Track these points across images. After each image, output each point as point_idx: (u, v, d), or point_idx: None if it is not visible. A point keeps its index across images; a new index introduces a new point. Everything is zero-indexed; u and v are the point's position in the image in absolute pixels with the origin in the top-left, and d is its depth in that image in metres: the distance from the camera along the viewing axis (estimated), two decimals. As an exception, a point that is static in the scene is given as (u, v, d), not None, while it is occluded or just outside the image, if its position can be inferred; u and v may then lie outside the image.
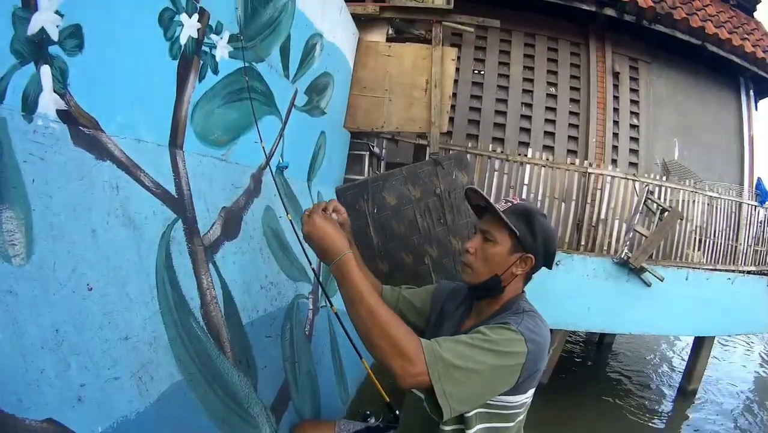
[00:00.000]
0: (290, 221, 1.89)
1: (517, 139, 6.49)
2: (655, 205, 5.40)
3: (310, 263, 1.79)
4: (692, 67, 7.25)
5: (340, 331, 2.12)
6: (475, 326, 1.48)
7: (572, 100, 6.70)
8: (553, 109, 6.66)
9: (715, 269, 5.85)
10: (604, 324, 5.35)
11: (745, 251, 6.55)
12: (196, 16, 1.78)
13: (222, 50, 2.01)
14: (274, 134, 2.62)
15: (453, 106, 5.93)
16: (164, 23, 1.62)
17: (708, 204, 6.10)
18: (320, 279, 1.88)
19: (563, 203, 5.51)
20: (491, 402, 1.42)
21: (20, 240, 1.05)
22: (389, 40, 4.46)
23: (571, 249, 5.42)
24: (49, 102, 1.19)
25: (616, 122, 6.69)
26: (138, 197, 1.52)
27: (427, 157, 4.37)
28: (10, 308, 0.98)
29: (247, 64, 2.20)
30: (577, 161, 5.69)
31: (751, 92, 7.66)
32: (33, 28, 1.10)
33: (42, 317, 1.05)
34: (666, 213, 5.35)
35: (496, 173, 5.38)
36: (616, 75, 6.75)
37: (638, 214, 5.34)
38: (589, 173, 5.56)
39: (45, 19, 1.13)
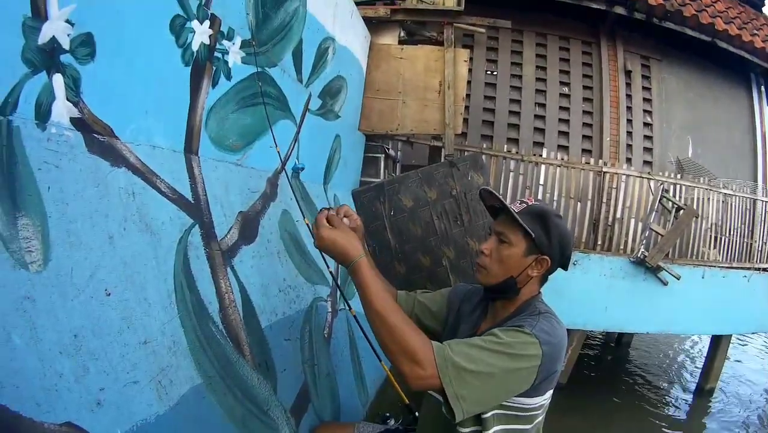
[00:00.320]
0: (307, 225, 1.89)
1: (532, 140, 6.45)
2: (670, 203, 5.36)
3: (328, 266, 1.80)
4: (703, 64, 7.16)
5: (359, 333, 2.11)
6: (490, 328, 1.47)
7: (585, 99, 6.66)
8: (567, 109, 6.61)
9: (731, 267, 5.77)
10: (621, 324, 5.33)
11: (760, 248, 6.43)
12: (207, 23, 1.79)
13: (234, 56, 2.03)
14: (289, 138, 2.63)
15: (467, 108, 5.93)
16: (176, 30, 1.63)
17: (723, 201, 6.03)
18: (338, 282, 1.88)
19: (579, 203, 5.48)
20: (508, 403, 1.41)
21: (37, 247, 1.06)
22: (401, 42, 4.47)
23: (588, 249, 5.39)
24: (62, 110, 1.20)
25: (629, 121, 6.62)
26: (154, 203, 1.53)
27: (442, 159, 4.36)
28: (28, 314, 0.99)
29: (260, 69, 2.21)
30: (592, 161, 5.66)
31: (762, 88, 7.51)
32: (44, 37, 1.12)
33: (60, 322, 1.06)
34: (681, 211, 5.31)
35: (511, 174, 5.37)
36: (628, 73, 6.68)
37: (654, 212, 5.29)
38: (604, 172, 5.51)
39: (56, 28, 1.14)
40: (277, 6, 2.34)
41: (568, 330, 1.52)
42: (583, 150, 6.47)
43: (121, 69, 1.42)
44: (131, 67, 1.46)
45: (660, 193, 5.32)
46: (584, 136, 6.56)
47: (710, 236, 5.92)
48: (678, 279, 4.99)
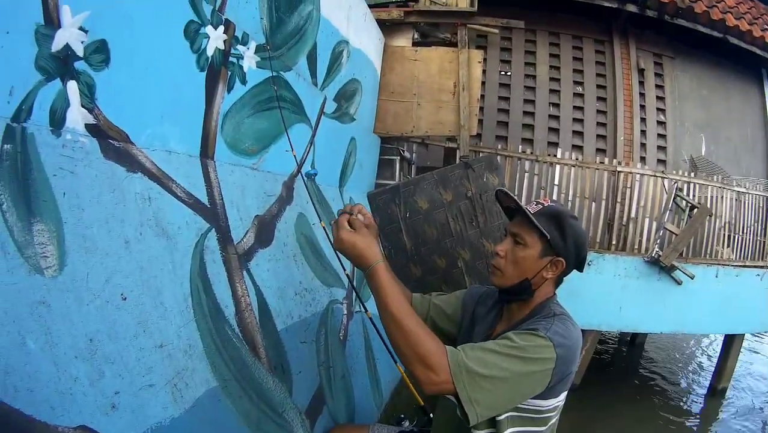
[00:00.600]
0: (323, 228, 1.90)
1: (546, 140, 6.44)
2: (684, 202, 5.32)
3: (344, 269, 1.79)
4: (715, 60, 7.08)
5: (374, 335, 2.11)
6: (505, 330, 1.47)
7: (599, 98, 6.63)
8: (581, 108, 6.59)
9: (745, 266, 5.70)
10: (636, 324, 5.30)
11: (773, 246, 6.34)
12: (221, 28, 1.80)
13: (249, 60, 2.04)
14: (304, 142, 2.64)
15: (481, 109, 5.90)
16: (190, 36, 1.64)
17: (736, 199, 5.96)
18: (354, 284, 1.88)
19: (593, 203, 5.45)
20: (523, 406, 1.40)
21: (52, 252, 1.08)
22: (415, 44, 4.47)
23: (603, 249, 5.36)
24: (77, 116, 1.22)
25: (643, 119, 6.58)
26: (170, 208, 1.55)
27: (457, 161, 4.35)
28: (43, 319, 1.01)
29: (275, 74, 2.22)
30: (606, 160, 5.63)
31: (774, 83, 7.41)
32: (57, 44, 1.13)
33: (75, 326, 1.07)
34: (695, 210, 5.27)
35: (526, 174, 5.35)
36: (641, 71, 6.64)
37: (668, 211, 5.26)
38: (619, 172, 5.48)
39: (69, 36, 1.16)
40: (291, 10, 2.35)
41: (582, 331, 1.50)
42: (598, 149, 6.45)
43: (136, 75, 1.44)
44: (146, 73, 1.48)
45: (674, 192, 5.29)
46: (598, 136, 6.54)
47: (724, 234, 5.89)
48: (692, 278, 4.97)
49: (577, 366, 1.46)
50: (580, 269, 1.58)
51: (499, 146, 5.47)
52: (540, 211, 1.52)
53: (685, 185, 5.50)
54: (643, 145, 6.53)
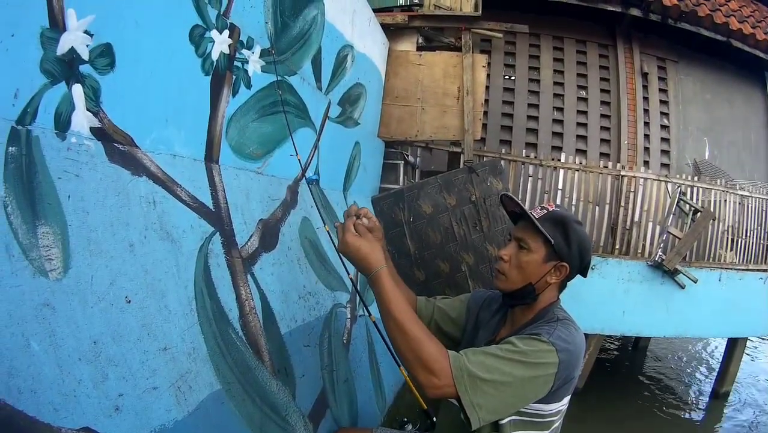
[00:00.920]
0: (327, 232, 1.90)
1: (550, 144, 6.45)
2: (687, 206, 5.31)
3: (348, 273, 1.79)
4: (718, 64, 7.08)
5: (377, 339, 2.11)
6: (509, 335, 1.48)
7: (603, 102, 6.64)
8: (585, 113, 6.60)
9: (748, 269, 5.69)
10: (639, 328, 5.30)
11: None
12: (226, 33, 1.81)
13: (254, 65, 2.04)
14: (309, 146, 2.64)
15: (485, 113, 5.92)
16: (195, 40, 1.65)
17: (739, 203, 5.95)
18: (358, 288, 1.88)
19: (597, 207, 5.45)
20: (526, 410, 1.40)
21: (57, 255, 1.08)
22: (419, 48, 4.49)
23: (606, 253, 5.37)
24: (82, 120, 1.22)
25: (646, 123, 6.59)
26: (175, 211, 1.55)
27: (461, 165, 4.35)
28: (47, 321, 1.01)
29: (279, 78, 2.23)
30: (610, 164, 5.62)
31: (777, 88, 7.40)
32: (62, 48, 1.14)
33: (80, 329, 1.08)
34: (698, 214, 5.25)
35: (530, 179, 5.35)
36: (644, 75, 6.65)
37: (671, 215, 5.24)
38: (622, 176, 5.49)
39: (74, 39, 1.16)
40: (296, 15, 2.36)
41: (585, 335, 1.50)
42: (601, 154, 6.45)
43: (141, 79, 1.44)
44: (151, 77, 1.49)
45: (677, 196, 5.28)
46: (602, 140, 6.55)
47: (727, 238, 5.88)
48: (695, 282, 4.97)
49: (581, 371, 1.46)
50: (584, 275, 1.59)
51: (503, 151, 5.47)
52: (544, 216, 1.52)
53: (689, 189, 5.51)
54: (646, 149, 6.54)
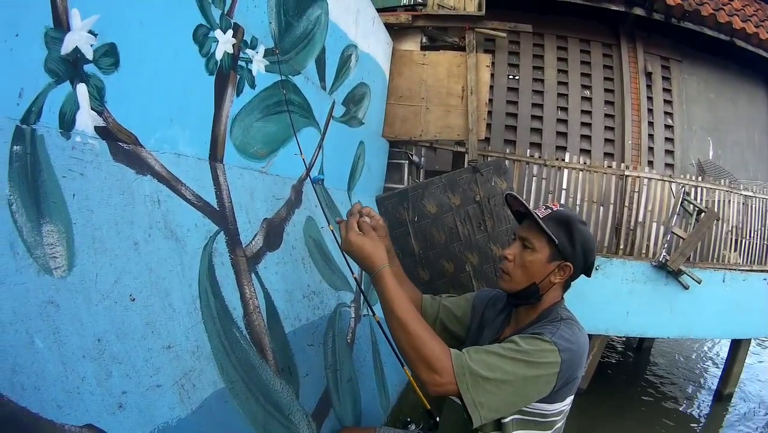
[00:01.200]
0: (332, 231, 1.90)
1: (554, 144, 6.46)
2: (691, 206, 5.32)
3: (352, 272, 1.80)
4: (722, 63, 7.09)
5: (381, 338, 2.11)
6: (513, 334, 1.48)
7: (607, 102, 6.65)
8: (589, 112, 6.61)
9: (752, 270, 5.69)
10: (643, 329, 5.29)
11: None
12: (230, 32, 1.82)
13: (258, 64, 2.05)
14: (313, 146, 2.64)
15: (489, 113, 5.92)
16: (199, 40, 1.65)
17: (743, 203, 5.96)
18: (362, 288, 1.89)
19: (601, 207, 5.46)
20: (528, 409, 1.41)
21: (62, 253, 1.08)
22: (423, 48, 4.49)
23: (610, 253, 5.37)
24: (86, 119, 1.23)
25: (650, 123, 6.60)
26: (179, 210, 1.56)
27: (465, 165, 4.36)
28: (51, 318, 1.01)
29: (283, 78, 2.23)
30: (614, 164, 5.62)
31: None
32: (66, 47, 1.14)
33: (84, 327, 1.08)
34: (702, 214, 5.26)
35: (534, 179, 5.35)
36: (648, 75, 6.65)
37: (675, 215, 5.24)
38: (626, 176, 5.49)
39: (78, 39, 1.17)
40: (300, 14, 2.36)
41: (589, 336, 1.50)
42: (605, 154, 6.46)
43: (146, 78, 1.45)
44: (155, 77, 1.49)
45: (681, 196, 5.28)
46: (606, 140, 6.56)
47: (731, 238, 5.89)
48: (699, 283, 4.96)
49: (584, 371, 1.47)
50: (588, 275, 1.59)
51: (508, 150, 5.47)
52: (549, 216, 1.52)
53: (693, 189, 5.52)
54: (650, 149, 6.54)
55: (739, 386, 6.36)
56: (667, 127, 6.69)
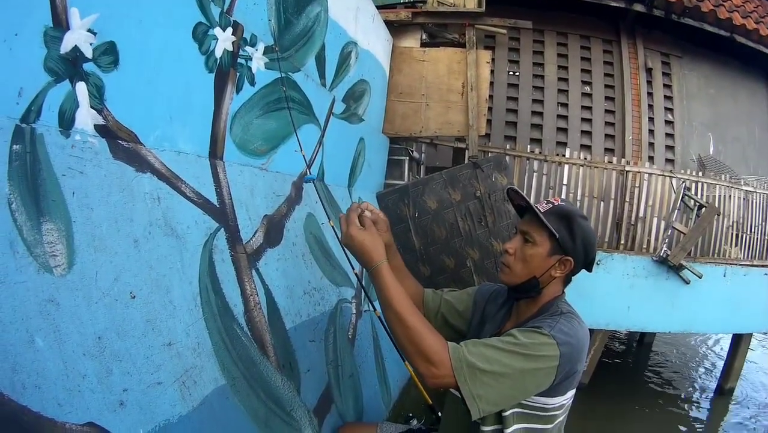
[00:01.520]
0: (332, 227, 1.90)
1: (555, 140, 6.45)
2: (692, 201, 5.33)
3: (353, 268, 1.80)
4: (722, 59, 7.06)
5: (383, 334, 2.12)
6: (513, 328, 1.47)
7: (607, 98, 6.63)
8: (589, 108, 6.59)
9: (752, 265, 5.70)
10: (644, 323, 5.32)
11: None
12: (230, 30, 1.81)
13: (258, 62, 2.05)
14: (313, 143, 2.64)
15: (490, 109, 5.90)
16: (198, 37, 1.65)
17: (744, 198, 5.94)
18: (363, 283, 1.90)
19: (602, 202, 5.45)
20: (528, 403, 1.41)
21: (61, 251, 1.09)
22: (423, 45, 4.48)
23: (611, 248, 5.36)
24: (86, 117, 1.23)
25: (651, 119, 6.57)
26: (180, 208, 1.56)
27: (466, 161, 4.35)
28: (51, 317, 1.02)
29: (283, 75, 2.23)
30: (615, 160, 5.60)
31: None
32: (66, 46, 1.15)
33: (84, 324, 1.08)
34: (703, 209, 5.28)
35: (534, 174, 5.34)
36: (648, 71, 6.63)
37: (676, 211, 5.26)
38: (627, 171, 5.47)
39: (78, 38, 1.17)
40: (299, 12, 2.36)
41: (590, 330, 1.51)
42: (606, 149, 6.45)
43: (145, 77, 1.45)
44: (155, 75, 1.49)
45: (682, 191, 5.29)
46: (606, 136, 6.54)
47: (732, 233, 5.87)
48: (700, 278, 4.98)
49: (585, 365, 1.47)
50: (589, 269, 1.59)
51: (508, 146, 5.45)
52: (550, 210, 1.52)
53: (693, 185, 5.50)
54: (651, 144, 6.53)
55: (740, 380, 6.36)
56: (668, 122, 6.67)
